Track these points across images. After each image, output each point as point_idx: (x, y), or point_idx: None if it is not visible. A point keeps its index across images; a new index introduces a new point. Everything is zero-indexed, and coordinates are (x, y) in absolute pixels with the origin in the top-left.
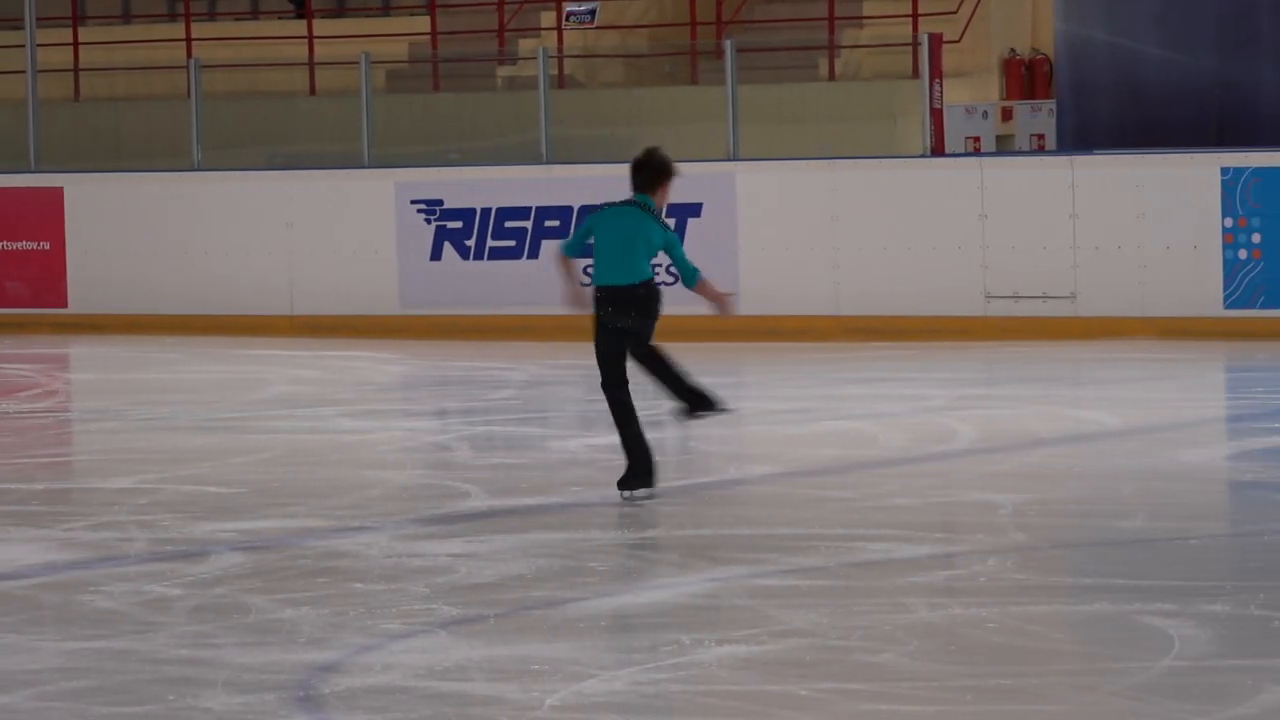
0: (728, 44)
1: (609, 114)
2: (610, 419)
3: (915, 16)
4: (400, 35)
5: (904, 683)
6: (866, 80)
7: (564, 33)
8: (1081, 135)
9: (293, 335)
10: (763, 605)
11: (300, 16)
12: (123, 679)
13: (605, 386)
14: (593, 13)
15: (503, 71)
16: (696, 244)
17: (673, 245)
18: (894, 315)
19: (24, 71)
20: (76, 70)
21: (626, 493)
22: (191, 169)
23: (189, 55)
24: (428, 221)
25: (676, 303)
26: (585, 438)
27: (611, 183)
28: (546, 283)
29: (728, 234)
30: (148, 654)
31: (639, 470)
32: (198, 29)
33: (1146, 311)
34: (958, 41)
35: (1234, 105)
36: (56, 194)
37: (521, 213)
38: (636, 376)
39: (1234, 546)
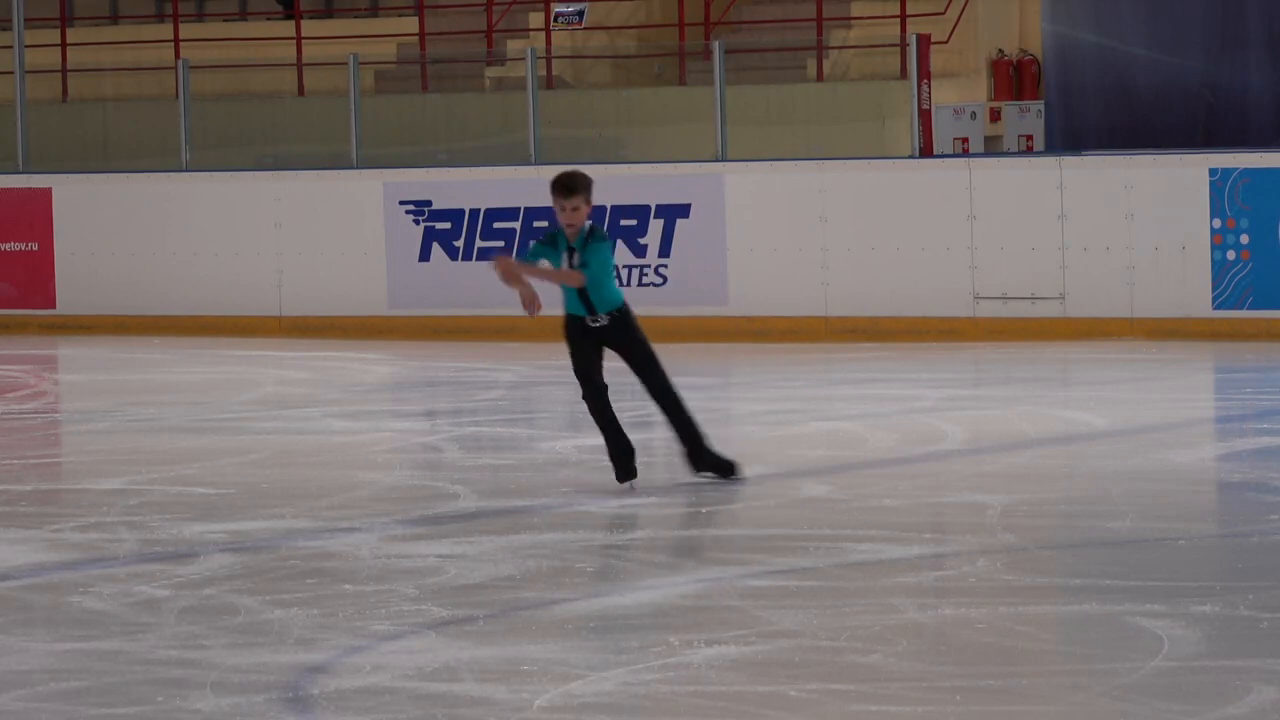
0: (716, 45)
1: (597, 115)
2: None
3: (903, 17)
4: (388, 36)
5: (893, 683)
6: (855, 81)
7: (552, 34)
8: (1070, 136)
9: (281, 336)
10: (752, 606)
11: (288, 17)
12: (112, 680)
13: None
14: (581, 14)
15: (491, 72)
16: (685, 245)
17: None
18: (882, 316)
19: (12, 72)
20: (65, 71)
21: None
22: (180, 170)
23: (177, 56)
24: (416, 222)
25: (667, 303)
26: (574, 439)
27: (599, 184)
28: (534, 283)
29: (716, 235)
30: (137, 655)
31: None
32: (186, 30)
33: (1135, 312)
34: (945, 42)
35: (1222, 106)
36: (45, 195)
37: (510, 214)
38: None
39: (1223, 547)
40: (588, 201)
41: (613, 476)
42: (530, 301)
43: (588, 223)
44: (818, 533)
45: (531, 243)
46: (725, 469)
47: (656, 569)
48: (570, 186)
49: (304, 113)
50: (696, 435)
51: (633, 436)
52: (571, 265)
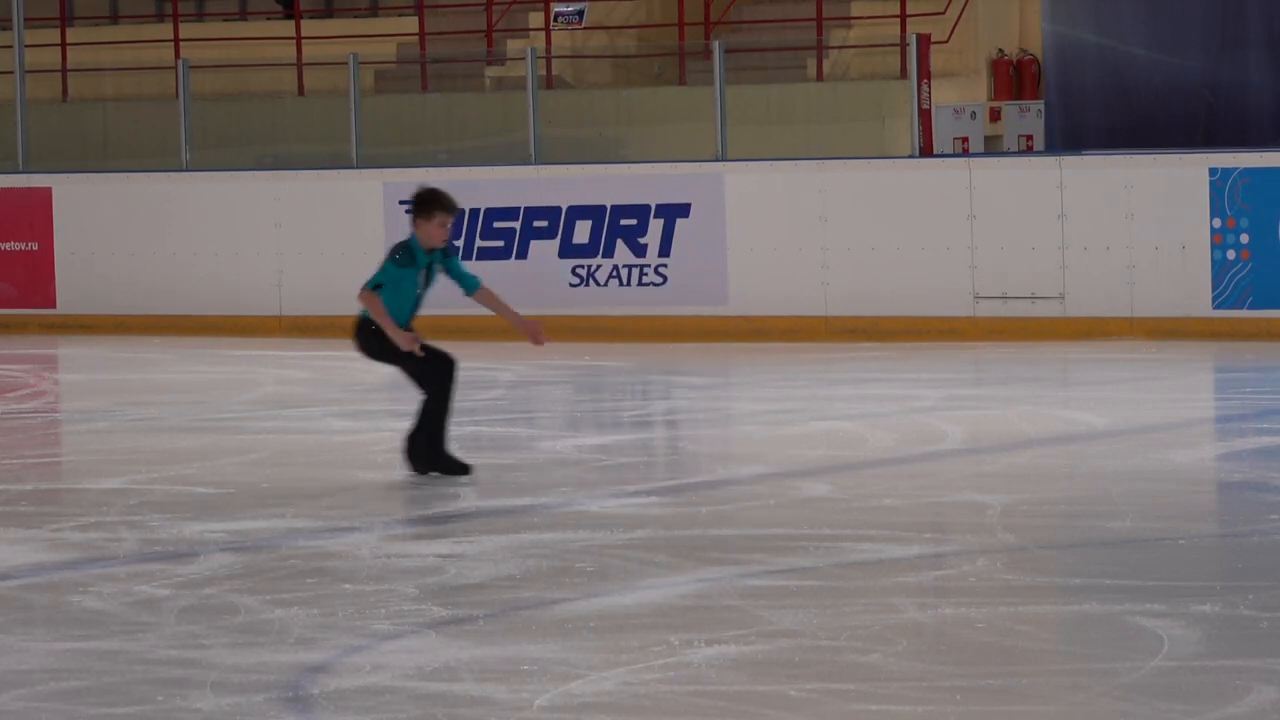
0: (716, 45)
1: (597, 115)
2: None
3: (903, 17)
4: (388, 36)
5: (893, 683)
6: (855, 81)
7: (552, 33)
8: (1070, 136)
9: (281, 335)
10: (752, 606)
11: (288, 17)
12: (112, 679)
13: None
14: (581, 13)
15: (491, 72)
16: (684, 245)
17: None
18: (882, 316)
19: (12, 72)
20: (65, 71)
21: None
22: (180, 169)
23: (177, 56)
24: None
25: (667, 303)
26: (573, 438)
27: (599, 183)
28: (535, 283)
29: (716, 235)
30: (137, 654)
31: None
32: (186, 29)
33: (1135, 312)
34: (946, 42)
35: (1222, 106)
36: (45, 194)
37: (510, 213)
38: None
39: (1223, 547)
40: None
41: (606, 476)
42: (409, 342)
43: None
44: (817, 532)
45: (389, 259)
46: (424, 467)
47: (656, 569)
48: (455, 206)
49: (304, 113)
50: (426, 435)
51: (633, 436)
52: (430, 275)
